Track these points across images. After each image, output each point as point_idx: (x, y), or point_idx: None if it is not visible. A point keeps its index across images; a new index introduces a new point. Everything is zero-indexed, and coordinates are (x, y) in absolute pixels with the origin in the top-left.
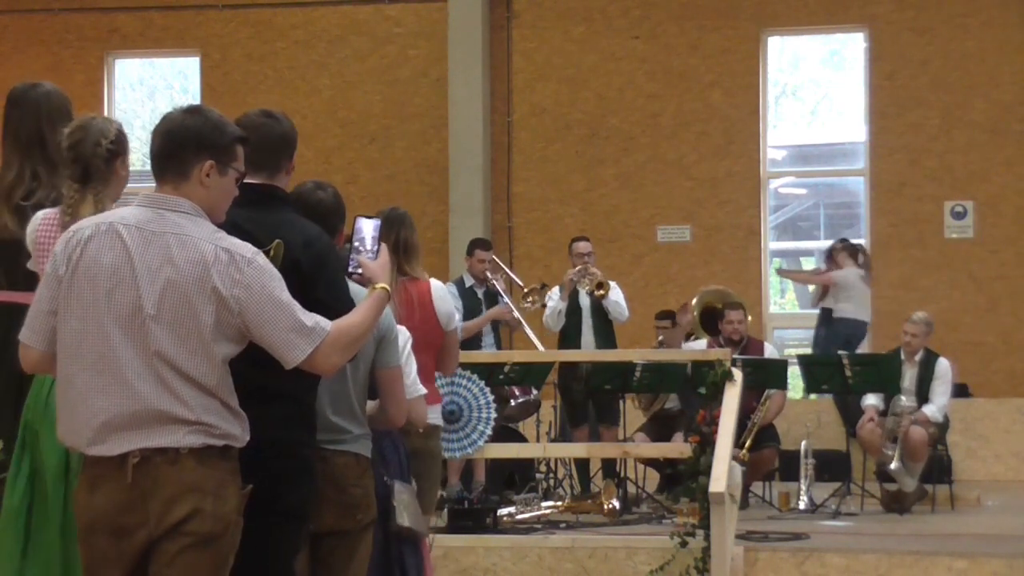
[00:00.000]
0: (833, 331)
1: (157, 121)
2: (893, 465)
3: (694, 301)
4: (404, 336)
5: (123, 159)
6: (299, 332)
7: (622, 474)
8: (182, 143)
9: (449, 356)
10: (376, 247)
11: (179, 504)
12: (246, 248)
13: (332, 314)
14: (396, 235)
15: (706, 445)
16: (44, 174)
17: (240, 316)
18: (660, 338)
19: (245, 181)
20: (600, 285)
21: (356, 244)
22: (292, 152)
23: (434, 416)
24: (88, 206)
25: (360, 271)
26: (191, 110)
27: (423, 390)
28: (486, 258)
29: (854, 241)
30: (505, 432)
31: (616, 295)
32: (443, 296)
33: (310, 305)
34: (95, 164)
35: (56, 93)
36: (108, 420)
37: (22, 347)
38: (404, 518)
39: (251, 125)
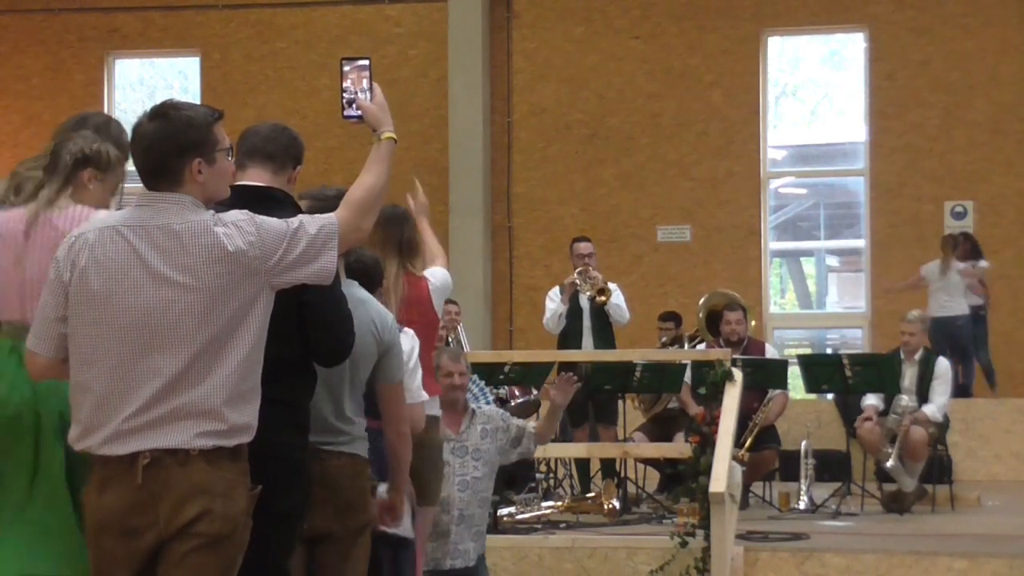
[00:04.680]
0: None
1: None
2: (889, 463)
3: (700, 303)
4: (412, 342)
5: (92, 172)
6: (313, 245)
7: (622, 474)
8: (163, 154)
9: None
10: (370, 87)
11: (189, 505)
12: (242, 212)
13: (324, 320)
14: (400, 234)
15: (706, 445)
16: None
17: (268, 273)
18: (663, 339)
19: (244, 183)
20: (601, 291)
21: (347, 86)
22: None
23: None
24: (39, 200)
25: (359, 114)
26: (156, 115)
27: (424, 396)
28: (451, 311)
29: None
30: None
31: (617, 298)
32: (442, 289)
33: (299, 307)
34: (63, 160)
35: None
36: (123, 422)
37: (28, 354)
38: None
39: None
